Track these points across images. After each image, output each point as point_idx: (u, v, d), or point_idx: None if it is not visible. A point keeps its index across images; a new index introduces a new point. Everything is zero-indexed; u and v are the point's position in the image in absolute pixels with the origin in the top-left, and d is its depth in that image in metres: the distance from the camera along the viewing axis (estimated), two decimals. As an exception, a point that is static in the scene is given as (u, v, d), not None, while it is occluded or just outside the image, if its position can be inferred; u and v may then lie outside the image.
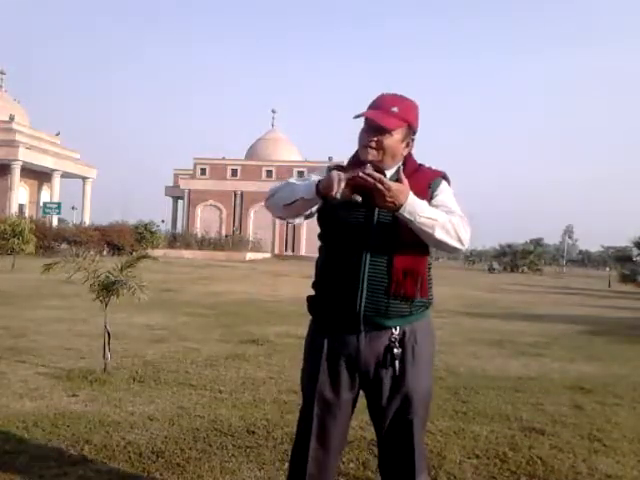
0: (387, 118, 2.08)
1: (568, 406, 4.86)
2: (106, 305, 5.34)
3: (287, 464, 3.33)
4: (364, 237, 2.09)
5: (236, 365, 5.88)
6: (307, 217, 2.23)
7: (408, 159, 2.19)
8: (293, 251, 50.31)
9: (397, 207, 1.96)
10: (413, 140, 2.19)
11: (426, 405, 2.23)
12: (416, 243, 2.06)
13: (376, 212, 2.08)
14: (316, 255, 2.29)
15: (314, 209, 2.15)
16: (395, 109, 2.10)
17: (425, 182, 2.14)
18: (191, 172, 54.68)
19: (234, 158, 54.88)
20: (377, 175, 1.93)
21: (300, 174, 52.14)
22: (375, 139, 2.10)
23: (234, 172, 53.59)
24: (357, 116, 2.12)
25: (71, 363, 5.64)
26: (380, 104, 2.12)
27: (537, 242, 69.30)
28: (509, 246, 51.40)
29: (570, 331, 10.06)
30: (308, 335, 2.31)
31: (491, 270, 43.48)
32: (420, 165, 2.22)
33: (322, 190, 2.00)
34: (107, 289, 5.27)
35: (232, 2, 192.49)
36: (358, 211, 2.09)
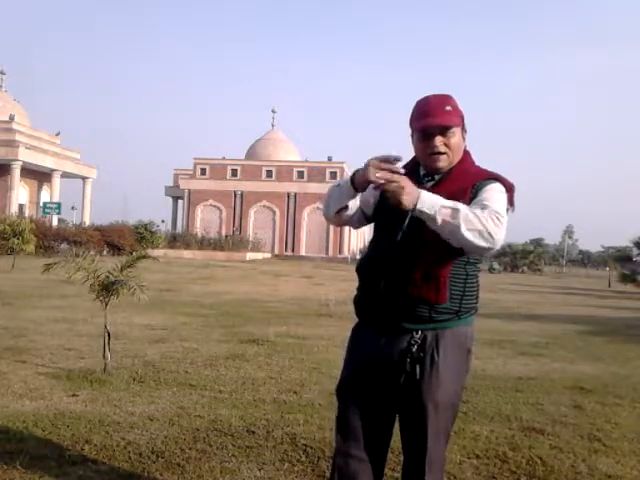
0: (449, 117, 2.07)
1: (568, 406, 4.86)
2: (106, 305, 5.34)
3: (286, 464, 3.36)
4: (392, 239, 2.09)
5: (236, 365, 5.88)
6: (357, 223, 2.31)
7: (465, 156, 2.16)
8: (293, 251, 50.27)
9: (413, 200, 1.89)
10: (466, 132, 2.18)
11: (446, 417, 2.14)
12: (441, 248, 1.99)
13: (408, 216, 2.04)
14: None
15: (352, 208, 2.21)
16: (448, 107, 2.08)
17: (469, 181, 2.07)
18: (191, 172, 54.61)
19: (234, 158, 54.80)
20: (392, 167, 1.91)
21: (300, 174, 52.28)
22: (443, 143, 2.07)
23: (234, 172, 53.52)
24: (420, 129, 2.08)
25: (71, 363, 5.64)
26: (432, 108, 2.09)
27: (537, 242, 69.30)
28: (509, 246, 51.31)
29: (570, 331, 10.06)
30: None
31: (491, 270, 43.36)
32: (474, 166, 2.17)
33: (357, 179, 2.05)
34: (107, 289, 5.26)
35: (232, 2, 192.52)
36: (393, 216, 2.07)
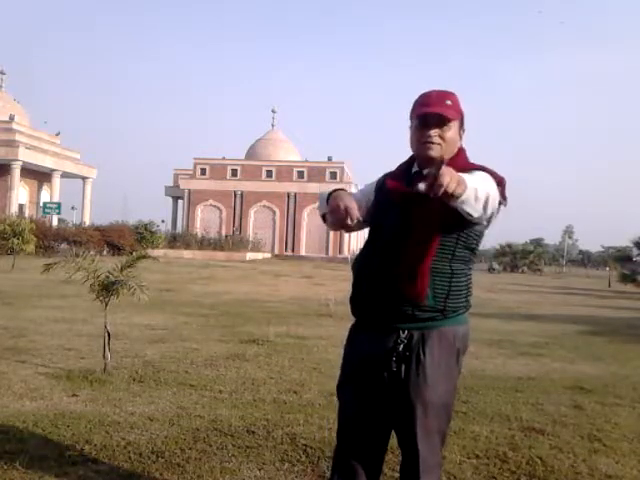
0: (448, 110, 2.08)
1: (568, 406, 4.86)
2: (106, 305, 5.34)
3: (286, 464, 3.36)
4: (380, 239, 2.13)
5: (236, 365, 5.88)
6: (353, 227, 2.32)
7: (459, 153, 2.16)
8: (293, 251, 50.24)
9: (459, 192, 1.80)
10: (464, 130, 2.19)
11: (438, 417, 2.13)
12: (423, 246, 2.00)
13: (392, 216, 2.07)
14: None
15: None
16: (449, 102, 2.10)
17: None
18: (191, 172, 54.60)
19: (234, 158, 54.78)
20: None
21: (300, 174, 52.27)
22: (437, 134, 2.08)
23: (234, 172, 53.50)
24: (419, 115, 2.09)
25: (71, 363, 5.64)
26: (432, 100, 2.11)
27: (537, 242, 69.31)
28: (509, 246, 51.28)
29: (570, 331, 10.06)
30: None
31: (491, 270, 43.37)
32: (465, 161, 2.16)
33: (328, 212, 2.10)
34: (107, 289, 5.26)
35: (232, 2, 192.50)
36: (383, 215, 2.10)
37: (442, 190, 1.69)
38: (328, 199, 2.12)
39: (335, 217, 2.04)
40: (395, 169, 2.26)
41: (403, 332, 2.10)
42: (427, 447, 2.13)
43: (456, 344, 2.19)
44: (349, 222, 2.01)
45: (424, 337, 2.10)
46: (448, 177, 1.70)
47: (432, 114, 2.07)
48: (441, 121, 2.07)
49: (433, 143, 2.08)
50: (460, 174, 1.80)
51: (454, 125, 2.11)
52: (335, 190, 2.14)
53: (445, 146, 2.09)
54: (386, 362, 2.12)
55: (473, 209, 1.89)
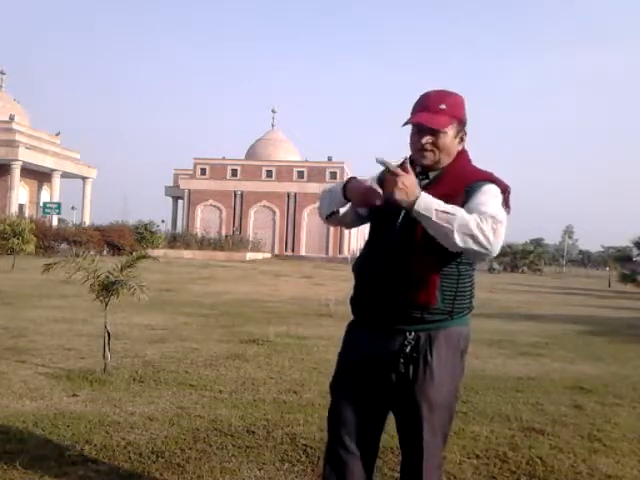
0: (437, 118, 2.06)
1: (568, 406, 4.86)
2: (106, 305, 5.34)
3: (286, 464, 3.36)
4: (384, 240, 2.11)
5: (236, 365, 5.88)
6: (351, 223, 2.34)
7: (460, 155, 2.15)
8: (293, 251, 50.23)
9: (410, 199, 1.90)
10: (465, 133, 2.16)
11: (442, 417, 2.15)
12: (431, 249, 1.98)
13: (400, 217, 2.06)
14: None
15: (343, 210, 2.23)
16: (443, 106, 2.07)
17: (463, 183, 2.04)
18: (191, 172, 54.59)
19: (234, 158, 54.77)
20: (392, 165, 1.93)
21: (300, 174, 52.25)
22: (430, 141, 2.07)
23: (234, 172, 53.49)
24: (406, 123, 2.09)
25: (71, 363, 5.64)
26: (427, 104, 2.09)
27: (537, 242, 69.32)
28: (509, 246, 51.20)
29: (570, 331, 10.06)
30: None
31: (491, 270, 43.33)
32: (469, 165, 2.16)
33: (349, 192, 2.11)
34: (107, 289, 5.26)
35: (232, 2, 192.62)
36: (386, 217, 2.09)
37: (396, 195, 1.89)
38: (344, 188, 2.13)
39: (363, 199, 2.05)
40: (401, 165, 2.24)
41: (410, 334, 2.09)
42: (431, 447, 2.14)
43: (460, 345, 2.20)
44: (378, 202, 2.00)
45: (431, 338, 2.10)
46: (400, 182, 1.88)
47: (422, 125, 2.07)
48: (433, 130, 2.06)
49: (426, 150, 2.09)
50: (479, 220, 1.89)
51: (449, 130, 2.09)
52: (348, 180, 2.15)
53: (439, 153, 2.09)
54: (392, 363, 2.11)
55: (485, 249, 1.92)
